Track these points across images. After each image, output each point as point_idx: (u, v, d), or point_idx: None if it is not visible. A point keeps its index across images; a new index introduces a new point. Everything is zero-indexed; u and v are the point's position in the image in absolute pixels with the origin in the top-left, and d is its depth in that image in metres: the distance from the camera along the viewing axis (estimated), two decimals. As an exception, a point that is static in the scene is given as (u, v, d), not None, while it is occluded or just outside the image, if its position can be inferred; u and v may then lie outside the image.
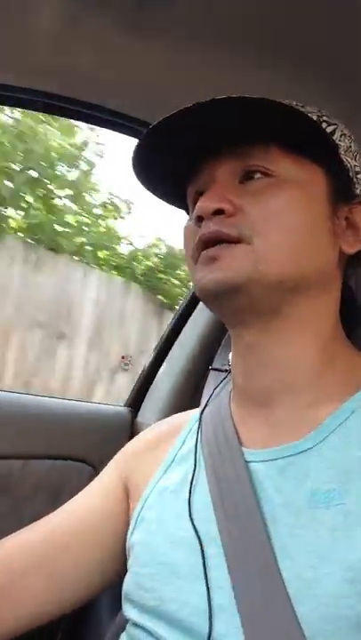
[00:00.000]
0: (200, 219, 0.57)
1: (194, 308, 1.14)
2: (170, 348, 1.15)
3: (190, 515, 0.56)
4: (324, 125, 0.59)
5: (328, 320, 0.60)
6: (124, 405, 1.22)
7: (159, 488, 0.63)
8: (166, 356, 1.15)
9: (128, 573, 0.61)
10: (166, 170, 0.62)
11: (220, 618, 0.49)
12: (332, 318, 0.61)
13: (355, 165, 0.61)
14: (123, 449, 0.75)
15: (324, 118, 0.59)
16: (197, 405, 0.71)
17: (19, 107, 0.92)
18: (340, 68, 0.76)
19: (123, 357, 4.71)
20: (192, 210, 0.61)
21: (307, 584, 0.46)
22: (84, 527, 0.67)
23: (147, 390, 1.17)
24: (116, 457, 0.75)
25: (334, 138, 0.59)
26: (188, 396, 1.06)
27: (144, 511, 0.62)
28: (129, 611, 0.59)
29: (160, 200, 0.68)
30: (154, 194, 0.66)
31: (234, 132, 0.57)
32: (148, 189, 0.65)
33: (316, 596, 0.45)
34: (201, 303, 1.12)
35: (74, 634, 0.78)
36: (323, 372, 0.58)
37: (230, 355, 0.69)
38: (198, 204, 0.57)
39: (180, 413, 0.76)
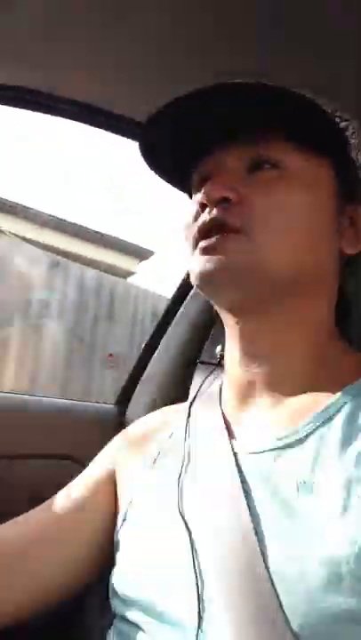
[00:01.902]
0: (204, 205, 0.56)
1: (181, 304, 1.14)
2: (158, 344, 1.14)
3: (179, 507, 0.56)
4: (337, 120, 0.58)
5: (324, 317, 0.60)
6: (113, 403, 1.21)
7: (146, 481, 0.63)
8: (154, 352, 1.14)
9: (115, 568, 0.60)
10: (173, 151, 0.61)
11: (210, 612, 0.49)
12: (328, 315, 0.61)
13: None
14: (110, 443, 0.75)
15: (338, 113, 0.58)
16: (186, 399, 0.70)
17: (13, 105, 0.90)
18: (343, 65, 0.75)
19: (110, 355, 4.70)
20: (195, 194, 0.60)
21: (293, 576, 0.45)
22: (68, 522, 0.66)
23: (135, 387, 1.16)
24: (102, 451, 0.74)
25: (347, 134, 0.58)
26: (176, 391, 1.06)
27: (131, 505, 0.62)
28: (117, 605, 0.58)
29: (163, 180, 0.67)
30: (157, 174, 0.65)
31: (243, 119, 0.56)
32: (152, 169, 0.64)
33: (303, 588, 0.45)
34: (188, 299, 1.12)
35: (61, 631, 0.77)
36: (315, 365, 0.58)
37: (218, 348, 0.69)
38: (204, 189, 0.56)
39: (167, 407, 0.76)
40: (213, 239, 0.55)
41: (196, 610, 0.49)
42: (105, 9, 0.71)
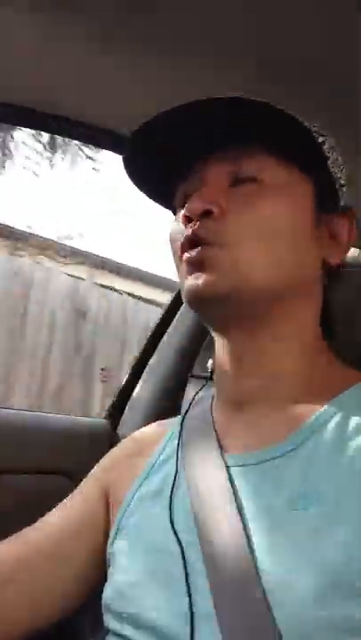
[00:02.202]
0: (188, 219, 0.57)
1: (173, 317, 1.14)
2: (150, 358, 1.14)
3: (171, 521, 0.56)
4: (314, 135, 0.59)
5: (310, 328, 0.61)
6: (104, 418, 1.21)
7: (140, 495, 0.62)
8: (146, 366, 1.14)
9: (108, 582, 0.60)
10: (156, 169, 0.62)
11: (202, 626, 0.48)
12: (314, 327, 0.62)
13: (339, 177, 0.62)
14: (103, 459, 0.74)
15: (315, 129, 0.60)
16: (178, 413, 0.70)
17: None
18: (332, 82, 0.77)
19: (102, 370, 4.68)
20: (179, 211, 0.61)
21: (285, 588, 0.45)
22: (62, 539, 0.65)
23: (126, 401, 1.16)
24: (96, 467, 0.74)
25: (324, 148, 0.60)
26: (167, 405, 1.05)
27: (124, 519, 0.62)
28: (109, 620, 0.58)
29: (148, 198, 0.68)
30: (142, 191, 0.66)
31: (224, 134, 0.57)
32: (137, 186, 0.65)
33: (295, 601, 0.44)
34: (179, 312, 1.12)
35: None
36: (303, 378, 0.59)
37: (210, 361, 0.69)
38: (187, 204, 0.57)
39: (160, 421, 0.76)
40: (195, 252, 0.56)
41: (189, 624, 0.48)
42: (90, 24, 0.72)
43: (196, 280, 0.56)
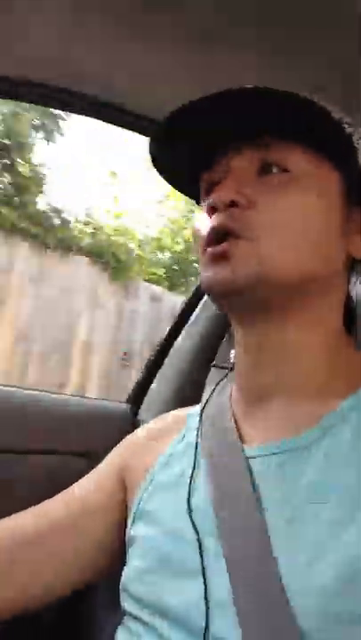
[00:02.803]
0: (213, 210, 0.57)
1: (196, 305, 1.14)
2: (172, 345, 1.15)
3: (189, 510, 0.56)
4: (344, 126, 0.58)
5: (332, 321, 0.61)
6: (125, 402, 1.22)
7: (158, 481, 0.63)
8: (168, 352, 1.15)
9: (127, 566, 0.61)
10: (182, 157, 0.62)
11: (218, 613, 0.49)
12: (337, 319, 0.61)
13: None
14: (122, 442, 0.76)
15: (346, 120, 0.59)
16: (198, 402, 0.71)
17: (27, 100, 0.91)
18: (341, 66, 0.75)
19: (124, 354, 4.71)
20: (204, 200, 0.60)
21: (303, 580, 0.46)
22: (80, 514, 0.67)
23: (148, 387, 1.17)
24: (115, 448, 0.75)
25: (353, 139, 0.59)
26: (189, 392, 1.06)
27: (143, 504, 0.63)
28: (127, 603, 0.59)
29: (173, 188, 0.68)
30: (166, 179, 0.66)
31: (252, 125, 0.56)
32: (161, 174, 0.65)
33: (313, 592, 0.45)
34: (203, 301, 1.12)
35: (71, 628, 0.78)
36: (325, 371, 0.58)
37: (232, 352, 0.69)
38: (213, 194, 0.57)
39: (181, 409, 0.77)
40: (221, 245, 0.55)
41: (205, 611, 0.49)
42: (121, 8, 0.71)
43: (217, 271, 0.56)
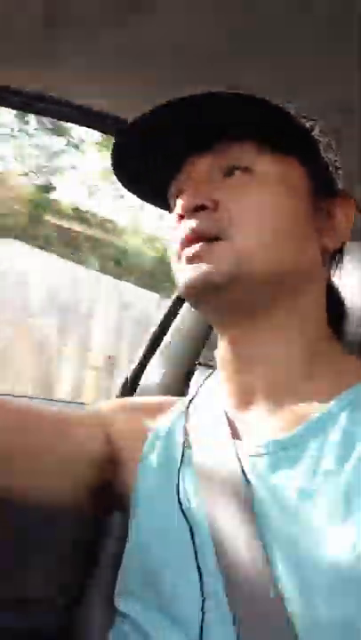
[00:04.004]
0: (181, 216, 0.58)
1: (182, 304, 1.15)
2: (158, 345, 1.15)
3: (181, 504, 0.56)
4: (303, 121, 0.59)
5: (313, 318, 0.60)
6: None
7: (148, 472, 0.63)
8: (155, 352, 1.15)
9: (122, 563, 0.61)
10: (146, 169, 0.62)
11: (213, 608, 0.49)
12: (318, 316, 0.61)
13: (335, 161, 0.62)
14: (105, 403, 0.75)
15: (303, 114, 0.60)
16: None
17: (6, 106, 0.91)
18: (338, 80, 0.75)
19: (109, 357, 4.69)
20: (174, 208, 0.61)
21: (296, 581, 0.46)
22: (69, 428, 0.66)
23: (135, 387, 1.17)
24: (103, 405, 0.74)
25: (314, 134, 0.59)
26: (176, 391, 1.06)
27: (137, 497, 0.62)
28: (121, 601, 0.59)
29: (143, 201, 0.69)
30: (135, 194, 0.67)
31: (213, 129, 0.57)
32: (130, 190, 0.66)
33: (306, 594, 0.45)
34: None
35: (63, 628, 0.78)
36: (309, 370, 0.58)
37: (216, 351, 0.70)
38: (179, 201, 0.58)
39: (169, 397, 0.77)
40: (197, 247, 0.56)
41: (199, 607, 0.49)
42: (94, 13, 0.71)
43: (192, 271, 0.56)
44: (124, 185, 0.65)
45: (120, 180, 0.64)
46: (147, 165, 0.62)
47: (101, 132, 0.94)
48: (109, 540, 0.88)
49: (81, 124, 0.93)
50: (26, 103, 0.86)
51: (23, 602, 0.81)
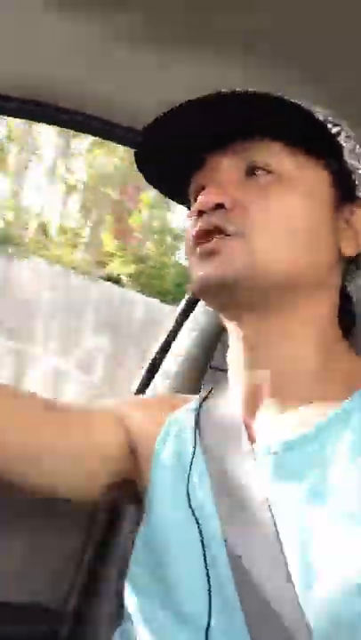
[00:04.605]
0: (200, 213, 0.58)
1: (194, 307, 1.15)
2: (170, 348, 1.15)
3: (190, 506, 0.56)
4: (329, 126, 0.59)
5: (326, 320, 0.61)
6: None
7: (160, 469, 0.63)
8: (166, 355, 1.15)
9: (132, 558, 0.61)
10: (170, 164, 0.62)
11: (221, 607, 0.50)
12: (330, 319, 0.61)
13: (358, 168, 0.61)
14: (118, 400, 0.76)
15: (330, 119, 0.60)
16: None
17: (10, 115, 0.92)
18: (345, 83, 0.76)
19: None
20: (193, 205, 0.61)
21: (309, 581, 0.46)
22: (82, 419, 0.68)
23: (147, 388, 1.17)
24: (115, 401, 0.75)
25: (339, 139, 0.59)
26: (189, 393, 1.06)
27: (150, 494, 0.63)
28: (127, 599, 0.59)
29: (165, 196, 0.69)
30: (158, 189, 0.67)
31: (238, 128, 0.57)
32: (152, 184, 0.66)
33: (320, 595, 0.45)
34: (201, 302, 1.13)
35: (74, 634, 0.78)
36: (321, 371, 0.58)
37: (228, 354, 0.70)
38: (199, 198, 0.58)
39: (182, 394, 0.78)
40: (211, 242, 0.56)
41: (207, 608, 0.50)
42: (103, 13, 0.72)
43: (206, 267, 0.56)
44: (147, 178, 0.65)
45: (143, 172, 0.64)
46: (170, 160, 0.62)
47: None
48: (119, 539, 0.89)
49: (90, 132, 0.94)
50: (34, 112, 0.87)
51: (29, 602, 0.82)
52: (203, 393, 0.70)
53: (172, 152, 0.61)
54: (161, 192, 0.69)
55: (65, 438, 0.65)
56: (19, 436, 0.62)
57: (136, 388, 1.19)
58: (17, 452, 0.62)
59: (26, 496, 0.64)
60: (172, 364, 1.13)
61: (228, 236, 0.56)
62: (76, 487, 0.67)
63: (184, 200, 0.67)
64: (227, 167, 0.59)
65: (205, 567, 0.52)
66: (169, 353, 1.15)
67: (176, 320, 1.17)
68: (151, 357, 1.19)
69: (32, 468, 0.63)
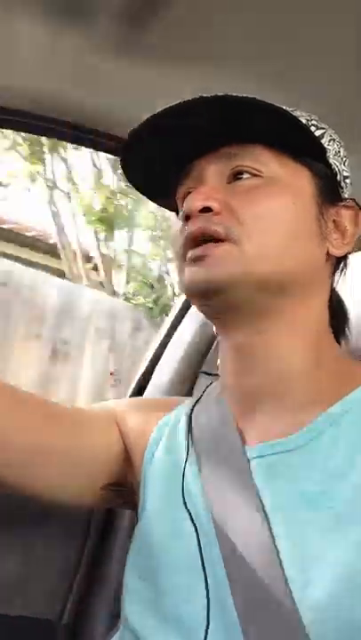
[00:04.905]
0: (188, 217, 0.58)
1: (185, 314, 1.15)
2: (162, 355, 1.15)
3: (185, 504, 0.56)
4: (313, 129, 0.59)
5: (316, 322, 0.61)
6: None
7: (153, 471, 0.63)
8: (158, 362, 1.15)
9: (128, 564, 0.61)
10: (156, 171, 0.63)
11: (219, 610, 0.49)
12: (321, 321, 0.61)
13: (343, 170, 0.62)
14: (111, 402, 0.76)
15: (313, 122, 0.60)
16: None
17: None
18: (337, 94, 0.77)
19: (111, 373, 4.68)
20: (181, 210, 0.61)
21: (305, 582, 0.46)
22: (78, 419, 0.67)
23: (141, 392, 1.17)
24: (112, 403, 0.75)
25: (323, 142, 0.60)
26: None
27: (144, 496, 0.62)
28: (127, 604, 0.59)
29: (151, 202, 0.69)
30: (145, 195, 0.67)
31: (223, 133, 0.58)
32: (139, 190, 0.66)
33: (316, 596, 0.45)
34: (192, 308, 1.13)
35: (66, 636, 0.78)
36: (312, 373, 0.58)
37: (219, 360, 0.70)
38: (185, 202, 0.58)
39: (177, 397, 0.78)
40: (201, 247, 0.56)
41: (205, 612, 0.49)
42: (93, 31, 0.72)
43: (197, 271, 0.56)
44: (132, 183, 0.65)
45: (128, 178, 0.64)
46: (156, 167, 0.62)
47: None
48: (114, 550, 0.89)
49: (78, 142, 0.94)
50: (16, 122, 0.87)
51: (25, 614, 0.80)
52: (195, 396, 0.70)
53: (157, 158, 0.61)
54: (149, 199, 0.69)
55: (65, 439, 0.64)
56: (19, 436, 0.62)
57: (130, 391, 1.19)
58: (17, 453, 0.62)
59: (24, 494, 0.63)
60: (164, 368, 1.13)
61: (218, 242, 0.56)
62: (74, 491, 0.66)
63: (172, 207, 0.67)
64: (212, 172, 0.60)
65: (203, 568, 0.51)
66: (162, 358, 1.15)
67: (169, 327, 1.18)
68: (145, 365, 1.19)
69: (31, 470, 0.63)
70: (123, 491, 0.67)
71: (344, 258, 0.64)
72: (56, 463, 0.64)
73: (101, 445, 0.66)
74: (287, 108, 0.57)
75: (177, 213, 0.66)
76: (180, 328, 1.13)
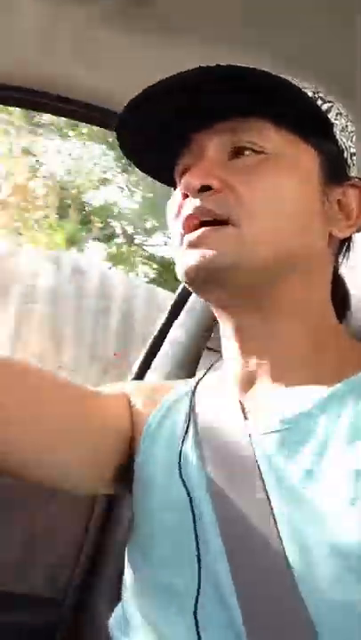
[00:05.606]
0: (186, 196, 0.55)
1: (191, 292, 1.14)
2: (167, 333, 1.15)
3: (181, 476, 0.56)
4: (319, 102, 0.56)
5: (318, 304, 0.59)
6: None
7: (151, 442, 0.63)
8: (164, 340, 1.15)
9: (129, 542, 0.61)
10: (153, 143, 0.60)
11: (211, 582, 0.49)
12: (323, 303, 0.60)
13: (350, 146, 0.59)
14: (121, 384, 0.74)
15: (320, 95, 0.57)
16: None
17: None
18: (341, 79, 0.73)
19: (115, 354, 4.69)
20: (179, 185, 0.58)
21: (303, 564, 0.45)
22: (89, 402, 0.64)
23: (145, 373, 1.17)
24: (120, 385, 0.73)
25: (330, 116, 0.57)
26: (189, 375, 1.06)
27: (141, 464, 0.62)
28: (127, 578, 0.59)
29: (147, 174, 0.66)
30: (140, 168, 0.64)
31: (224, 105, 0.54)
32: (135, 163, 0.63)
33: (313, 578, 0.44)
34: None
35: (73, 628, 0.79)
36: (314, 355, 0.57)
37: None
38: (184, 179, 0.55)
39: (178, 380, 0.76)
40: (199, 232, 0.54)
41: (197, 576, 0.49)
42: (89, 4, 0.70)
43: (194, 256, 0.54)
44: (129, 158, 0.62)
45: (125, 152, 0.61)
46: (153, 140, 0.59)
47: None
48: (117, 528, 0.89)
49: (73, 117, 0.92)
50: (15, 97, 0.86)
51: (29, 592, 0.82)
52: (199, 375, 0.69)
53: (155, 130, 0.58)
54: (145, 172, 0.65)
55: (81, 422, 0.62)
56: (45, 418, 0.59)
57: (135, 372, 1.18)
58: (40, 434, 0.59)
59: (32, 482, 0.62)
60: (169, 348, 1.12)
61: (216, 225, 0.54)
62: (91, 473, 0.63)
63: (168, 180, 0.64)
64: (213, 147, 0.57)
65: (195, 538, 0.51)
66: (166, 337, 1.14)
67: (175, 303, 1.17)
68: (149, 342, 1.18)
69: (45, 453, 0.59)
70: (127, 474, 0.66)
71: (348, 239, 0.61)
72: (73, 445, 0.61)
73: (115, 426, 0.65)
74: (293, 80, 0.54)
75: (174, 187, 0.63)
76: (188, 302, 1.12)
